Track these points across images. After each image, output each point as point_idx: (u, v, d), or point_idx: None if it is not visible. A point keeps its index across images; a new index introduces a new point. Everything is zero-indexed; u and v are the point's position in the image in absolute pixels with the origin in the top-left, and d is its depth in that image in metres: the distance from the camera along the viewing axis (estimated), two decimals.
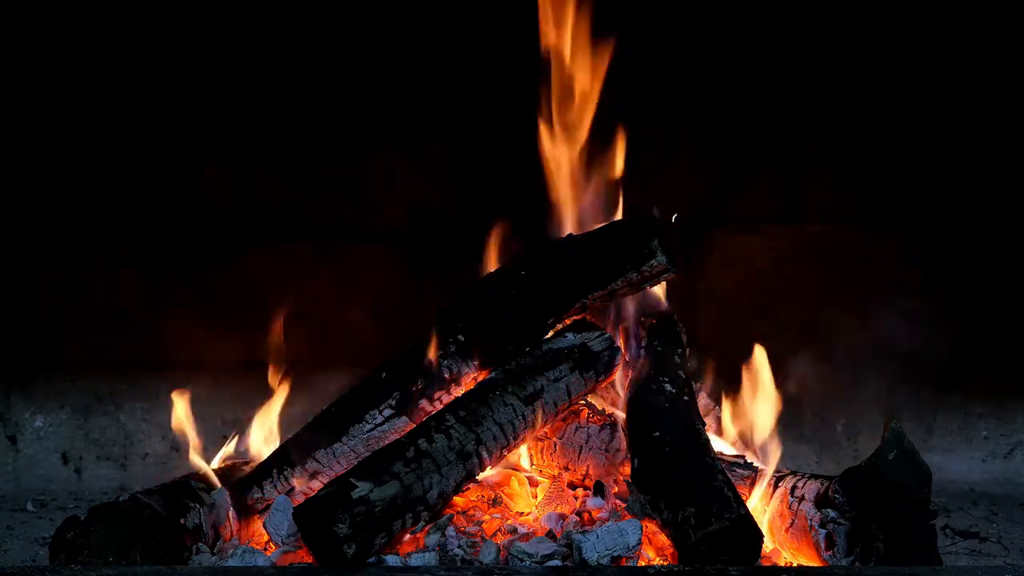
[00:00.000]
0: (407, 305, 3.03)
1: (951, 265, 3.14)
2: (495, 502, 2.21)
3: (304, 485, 2.22)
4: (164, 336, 3.11)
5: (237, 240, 3.12)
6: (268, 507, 2.17)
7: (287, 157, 3.11)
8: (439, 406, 2.22)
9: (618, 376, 2.34)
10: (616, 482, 2.23)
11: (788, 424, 2.97)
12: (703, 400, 2.44)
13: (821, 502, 1.97)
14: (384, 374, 2.29)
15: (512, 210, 2.53)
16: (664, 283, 2.38)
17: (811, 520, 1.98)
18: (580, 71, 2.49)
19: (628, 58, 2.55)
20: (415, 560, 1.92)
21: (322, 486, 2.04)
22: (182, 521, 2.04)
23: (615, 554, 1.91)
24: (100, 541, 1.89)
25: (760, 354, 2.34)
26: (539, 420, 2.17)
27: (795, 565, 2.01)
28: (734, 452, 2.34)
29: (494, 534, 2.07)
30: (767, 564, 2.02)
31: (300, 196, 3.13)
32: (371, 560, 1.89)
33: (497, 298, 2.30)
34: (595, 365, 2.25)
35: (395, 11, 3.04)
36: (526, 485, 2.27)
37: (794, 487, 2.07)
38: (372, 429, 2.23)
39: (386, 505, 1.90)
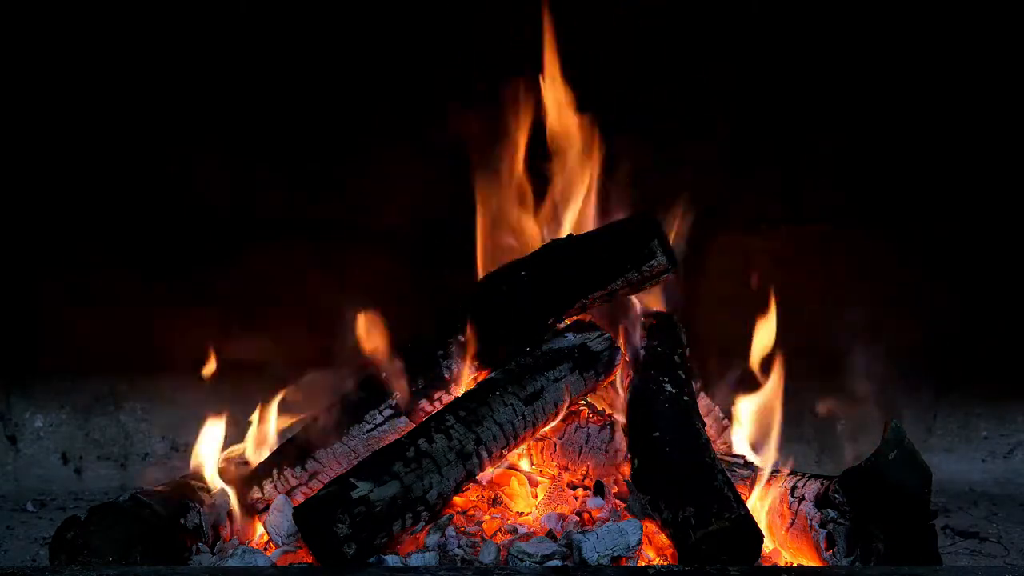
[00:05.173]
0: (407, 305, 3.02)
1: (951, 265, 3.14)
2: (495, 502, 2.21)
3: (304, 485, 2.22)
4: (164, 336, 3.11)
5: (237, 240, 3.13)
6: (268, 507, 2.17)
7: (287, 158, 3.11)
8: (439, 406, 2.22)
9: (618, 376, 2.34)
10: (616, 482, 2.23)
11: (788, 424, 2.98)
12: (703, 400, 2.44)
13: (821, 502, 1.97)
14: (384, 374, 2.29)
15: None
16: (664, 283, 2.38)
17: (811, 520, 1.98)
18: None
19: (629, 60, 2.56)
20: (415, 560, 1.92)
21: (322, 486, 2.04)
22: (182, 521, 2.04)
23: (615, 554, 1.91)
24: (100, 541, 1.89)
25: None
26: (539, 420, 2.17)
27: (795, 565, 2.01)
28: (734, 452, 2.35)
29: (494, 534, 2.07)
30: (767, 564, 2.02)
31: (300, 196, 3.13)
32: (371, 560, 1.89)
33: (497, 298, 2.30)
34: (595, 365, 2.25)
35: (395, 12, 3.04)
36: (526, 485, 2.27)
37: (794, 487, 2.07)
38: (372, 429, 2.24)
39: (386, 505, 1.90)
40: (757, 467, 2.22)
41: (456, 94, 3.01)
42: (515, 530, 2.09)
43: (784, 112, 3.11)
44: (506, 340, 2.26)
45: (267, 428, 2.41)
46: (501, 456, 2.14)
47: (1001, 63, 3.07)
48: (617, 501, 2.17)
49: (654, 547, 2.01)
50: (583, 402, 2.32)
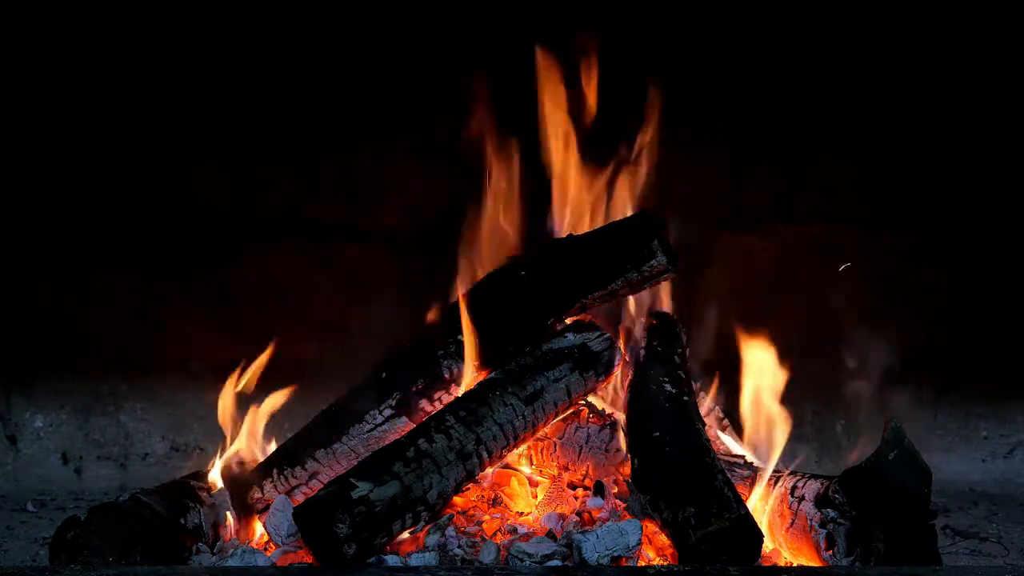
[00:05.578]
0: (407, 305, 3.02)
1: (951, 265, 3.14)
2: (495, 502, 2.21)
3: (304, 485, 2.22)
4: (164, 336, 3.11)
5: (237, 240, 3.13)
6: (268, 507, 2.17)
7: (287, 157, 3.12)
8: (439, 406, 2.22)
9: (618, 376, 2.34)
10: (616, 482, 2.23)
11: None
12: (703, 400, 2.44)
13: (821, 502, 1.97)
14: (384, 374, 2.29)
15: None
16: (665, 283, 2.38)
17: (811, 520, 1.97)
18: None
19: (628, 60, 2.56)
20: (415, 560, 1.92)
21: (322, 486, 2.04)
22: (182, 521, 2.04)
23: (615, 554, 1.91)
24: (100, 541, 1.89)
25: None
26: (539, 420, 2.17)
27: (795, 565, 2.01)
28: (734, 452, 2.34)
29: (494, 534, 2.07)
30: (767, 564, 2.02)
31: (300, 196, 3.14)
32: (371, 560, 1.89)
33: (497, 298, 2.30)
34: (595, 365, 2.25)
35: (395, 12, 3.04)
36: (526, 485, 2.27)
37: (794, 487, 2.07)
38: (372, 429, 2.24)
39: (386, 505, 1.90)
40: (757, 467, 2.22)
41: (456, 94, 3.01)
42: (515, 530, 2.09)
43: (784, 112, 3.11)
44: (506, 340, 2.26)
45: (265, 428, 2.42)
46: (501, 456, 2.14)
47: (1001, 63, 3.07)
48: (617, 501, 2.17)
49: (654, 547, 2.01)
50: (583, 402, 2.32)
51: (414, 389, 2.25)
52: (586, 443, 2.28)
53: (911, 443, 1.91)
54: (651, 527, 2.00)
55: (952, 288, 3.15)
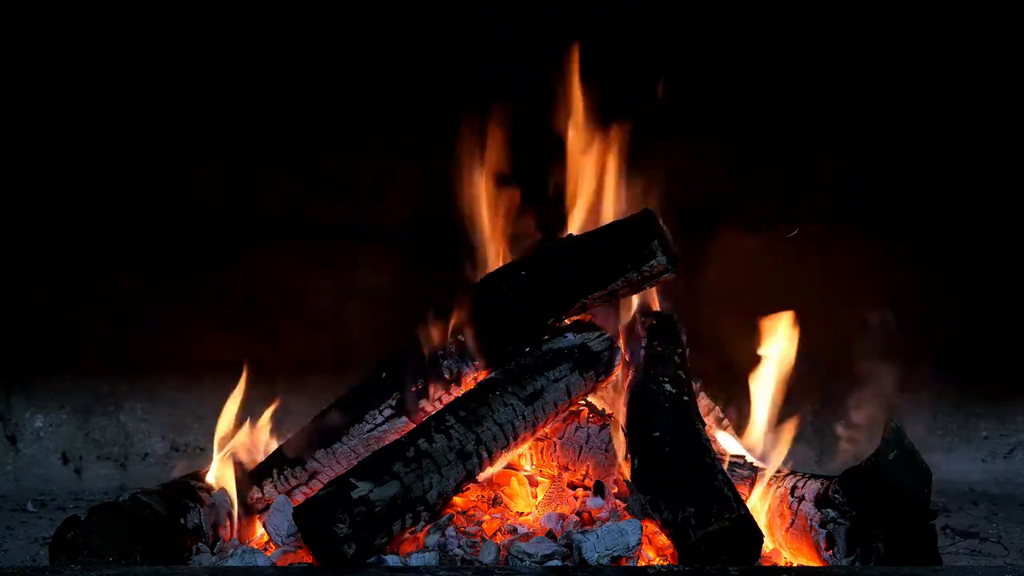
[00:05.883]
0: (407, 305, 3.02)
1: (951, 265, 3.14)
2: (495, 502, 2.21)
3: (304, 485, 2.22)
4: (164, 336, 3.11)
5: (237, 240, 3.13)
6: (268, 507, 2.17)
7: (287, 157, 3.11)
8: (439, 406, 2.22)
9: (618, 376, 2.34)
10: (616, 482, 2.23)
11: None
12: (703, 400, 2.44)
13: (821, 502, 1.97)
14: (384, 374, 2.29)
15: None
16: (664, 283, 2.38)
17: (811, 520, 1.98)
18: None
19: (628, 61, 2.56)
20: (415, 560, 1.92)
21: (322, 486, 2.04)
22: (182, 521, 2.04)
23: (615, 554, 1.91)
24: (100, 541, 1.90)
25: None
26: (539, 420, 2.17)
27: (795, 565, 2.01)
28: (734, 452, 2.34)
29: (494, 534, 2.08)
30: (767, 564, 2.02)
31: (300, 196, 3.13)
32: (371, 560, 1.89)
33: (497, 298, 2.30)
34: (595, 365, 2.25)
35: (395, 12, 3.04)
36: (526, 485, 2.27)
37: (794, 487, 2.07)
38: (372, 429, 2.24)
39: (386, 505, 1.90)
40: (757, 467, 2.22)
41: (456, 94, 3.01)
42: (515, 530, 2.09)
43: (784, 112, 3.11)
44: (506, 340, 2.26)
45: (264, 428, 2.42)
46: (501, 456, 2.14)
47: (1002, 63, 3.07)
48: (617, 501, 2.17)
49: (654, 547, 2.02)
50: (583, 402, 2.32)
51: (414, 389, 2.26)
52: (586, 443, 2.28)
53: (911, 443, 1.91)
54: (651, 527, 2.00)
55: (952, 288, 3.14)
